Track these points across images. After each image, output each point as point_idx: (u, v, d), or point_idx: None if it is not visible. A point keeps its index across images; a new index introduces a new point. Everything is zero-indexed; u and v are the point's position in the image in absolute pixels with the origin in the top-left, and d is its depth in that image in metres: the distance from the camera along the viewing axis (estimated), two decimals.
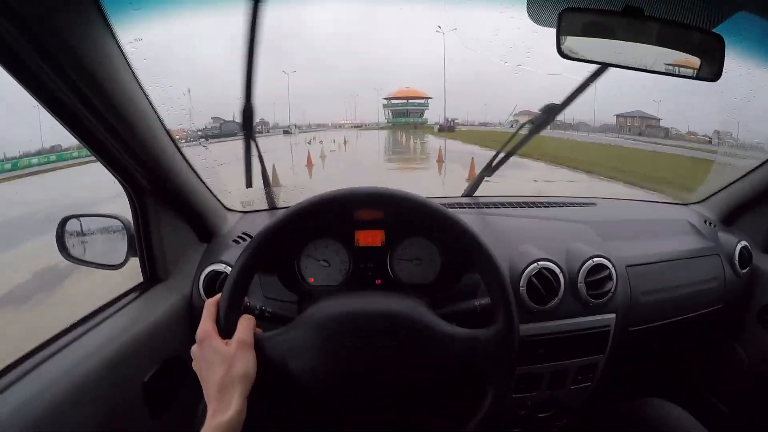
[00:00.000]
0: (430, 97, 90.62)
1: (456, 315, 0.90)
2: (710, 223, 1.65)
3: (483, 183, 1.67)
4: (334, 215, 0.92)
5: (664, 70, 1.00)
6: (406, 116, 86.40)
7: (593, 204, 1.71)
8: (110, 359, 0.88)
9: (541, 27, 1.00)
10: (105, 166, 0.98)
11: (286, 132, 58.53)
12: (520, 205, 1.61)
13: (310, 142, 32.52)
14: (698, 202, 1.82)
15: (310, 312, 0.78)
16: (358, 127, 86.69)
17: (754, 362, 1.57)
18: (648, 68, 1.00)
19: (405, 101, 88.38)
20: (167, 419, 1.04)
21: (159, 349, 1.03)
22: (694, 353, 1.76)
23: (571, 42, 0.95)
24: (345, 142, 31.97)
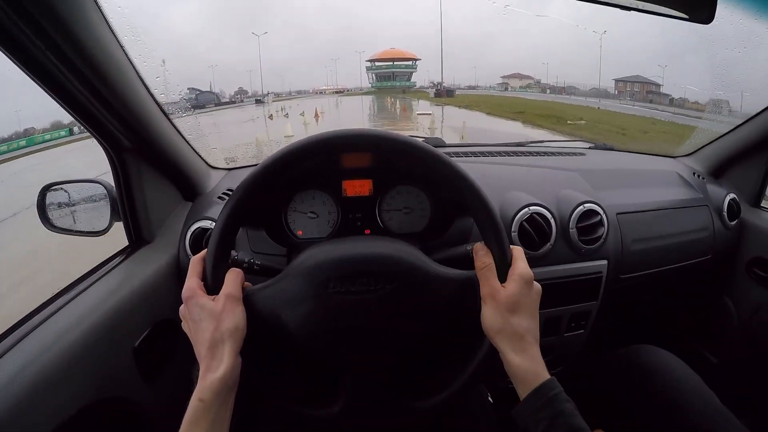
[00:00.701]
0: (417, 59, 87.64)
1: (448, 261, 0.89)
2: (699, 175, 1.67)
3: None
4: (318, 162, 0.90)
5: (655, 10, 0.99)
6: (391, 79, 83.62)
7: (582, 154, 1.73)
8: (99, 325, 0.87)
9: None
10: (83, 125, 0.95)
11: (259, 101, 54.50)
12: (508, 153, 1.61)
13: (271, 117, 27.85)
14: (687, 155, 1.83)
15: (298, 261, 0.76)
16: (339, 92, 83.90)
17: (742, 314, 1.61)
18: (640, 8, 0.99)
19: (390, 63, 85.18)
20: (162, 382, 1.03)
21: (149, 312, 1.03)
22: (685, 304, 1.80)
23: None
24: (317, 115, 24.68)
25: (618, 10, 1.01)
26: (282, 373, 0.81)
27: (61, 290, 0.97)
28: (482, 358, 0.77)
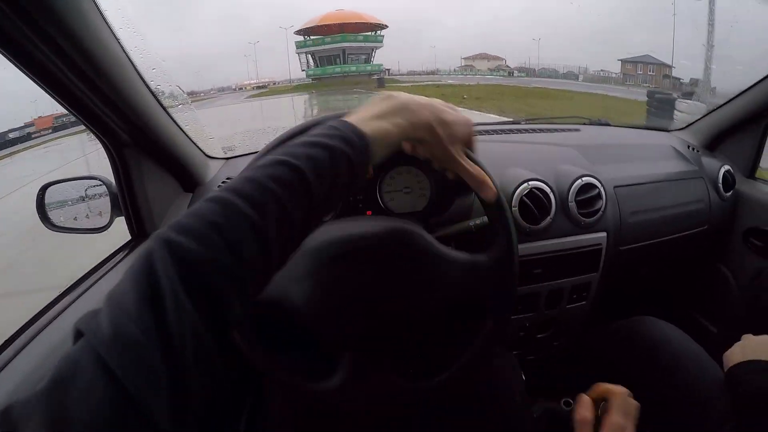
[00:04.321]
0: (383, 25, 56.06)
1: (451, 237, 0.96)
2: (693, 149, 1.76)
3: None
4: None
5: None
6: (342, 62, 53.48)
7: (577, 129, 1.81)
8: None
9: None
10: (81, 121, 0.98)
11: None
12: (504, 131, 1.69)
13: None
14: (681, 129, 1.93)
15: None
16: (261, 88, 53.60)
17: (740, 283, 1.71)
18: None
19: (339, 36, 52.92)
20: None
21: None
22: (682, 275, 1.90)
23: None
24: None
25: None
26: (285, 350, 0.86)
27: (68, 288, 1.00)
28: (482, 341, 0.82)
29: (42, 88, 0.85)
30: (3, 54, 0.75)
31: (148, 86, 1.07)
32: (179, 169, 1.28)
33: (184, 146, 1.28)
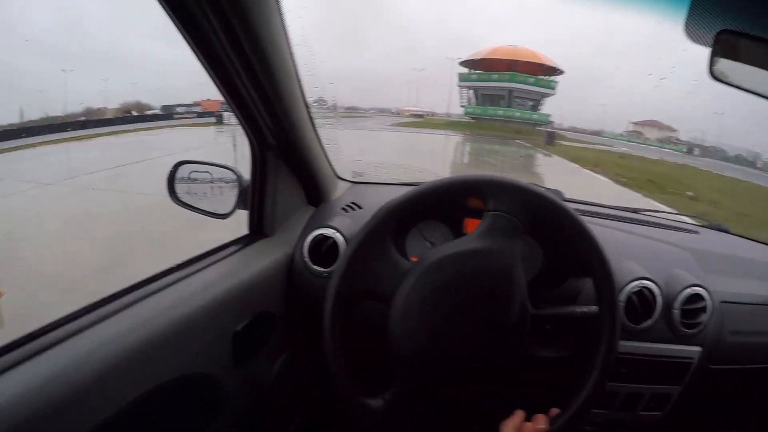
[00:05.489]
0: (560, 71, 44.95)
1: (554, 318, 0.97)
2: None
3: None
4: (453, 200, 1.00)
5: None
6: (506, 105, 43.75)
7: (696, 232, 1.74)
8: (207, 306, 0.97)
9: (691, 44, 1.03)
10: (238, 118, 1.10)
11: None
12: (624, 219, 1.65)
13: None
14: None
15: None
16: (418, 117, 47.11)
17: None
18: None
19: (507, 74, 43.18)
20: (247, 369, 1.14)
21: (254, 301, 1.14)
22: (762, 410, 1.72)
23: (724, 65, 0.96)
24: None
25: None
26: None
27: (179, 265, 1.08)
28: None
29: (216, 84, 0.98)
30: (191, 47, 0.87)
31: (305, 102, 1.19)
32: (311, 182, 1.39)
33: (321, 162, 1.39)
